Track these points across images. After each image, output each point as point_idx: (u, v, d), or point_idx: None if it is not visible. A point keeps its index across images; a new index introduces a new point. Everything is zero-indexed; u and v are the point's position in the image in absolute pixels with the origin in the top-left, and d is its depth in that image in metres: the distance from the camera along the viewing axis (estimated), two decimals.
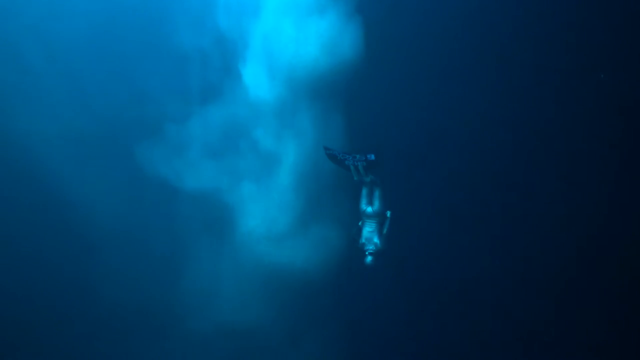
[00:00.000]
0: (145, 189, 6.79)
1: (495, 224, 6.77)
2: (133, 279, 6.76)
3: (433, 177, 6.81)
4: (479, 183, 6.75)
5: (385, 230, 5.96)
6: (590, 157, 6.51)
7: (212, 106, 6.76)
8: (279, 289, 6.62)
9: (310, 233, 6.69)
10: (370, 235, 5.96)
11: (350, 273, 6.44)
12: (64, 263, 6.92)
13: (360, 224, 6.07)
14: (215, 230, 6.78)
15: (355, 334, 6.76)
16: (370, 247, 5.90)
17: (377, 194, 6.06)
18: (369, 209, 6.01)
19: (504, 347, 6.65)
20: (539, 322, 6.64)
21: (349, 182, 6.46)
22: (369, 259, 5.88)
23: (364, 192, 6.10)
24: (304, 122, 6.70)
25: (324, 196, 6.74)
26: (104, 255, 6.83)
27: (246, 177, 6.80)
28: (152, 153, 6.65)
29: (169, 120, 6.77)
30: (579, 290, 6.54)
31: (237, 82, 6.71)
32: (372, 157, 5.92)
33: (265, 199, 6.77)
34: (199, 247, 6.83)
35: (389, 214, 6.00)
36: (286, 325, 6.66)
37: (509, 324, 6.68)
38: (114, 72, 6.90)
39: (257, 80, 6.68)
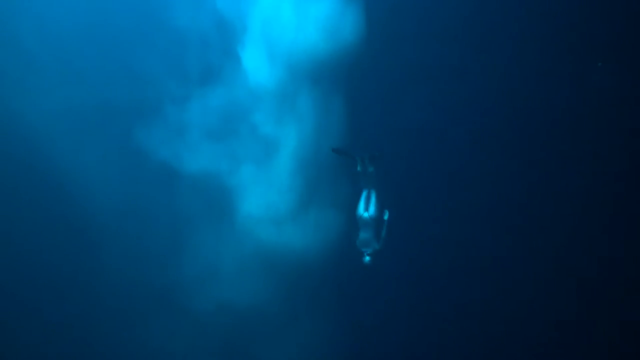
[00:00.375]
0: (146, 170, 6.79)
1: (495, 223, 6.82)
2: (135, 259, 6.81)
3: (433, 172, 6.85)
4: (479, 181, 6.79)
5: (383, 234, 6.12)
6: (591, 157, 6.55)
7: (211, 89, 6.72)
8: (279, 270, 6.68)
9: (310, 216, 6.74)
10: (368, 239, 6.13)
11: (349, 256, 6.44)
12: (66, 244, 6.95)
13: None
14: (216, 213, 6.82)
15: (353, 315, 6.86)
16: (368, 250, 6.10)
17: (373, 199, 6.21)
18: (366, 215, 6.17)
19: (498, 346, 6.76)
20: (536, 321, 6.71)
21: (348, 166, 6.55)
22: (367, 259, 6.09)
23: (362, 197, 6.24)
24: (305, 107, 6.67)
25: (323, 180, 6.77)
26: (106, 237, 6.85)
27: (246, 161, 6.82)
28: (152, 135, 6.64)
29: (169, 103, 6.75)
30: (579, 290, 6.61)
31: (237, 66, 6.66)
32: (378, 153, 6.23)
33: (265, 183, 6.80)
34: (199, 228, 6.87)
35: (386, 216, 6.16)
36: (286, 306, 6.74)
37: (502, 321, 6.77)
38: (112, 54, 6.84)
39: (257, 64, 6.63)
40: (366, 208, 6.18)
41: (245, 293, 6.67)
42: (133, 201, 6.85)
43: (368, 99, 6.70)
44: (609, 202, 6.53)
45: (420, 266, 6.86)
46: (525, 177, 6.74)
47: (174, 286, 6.78)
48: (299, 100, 6.66)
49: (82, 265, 6.90)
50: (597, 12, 6.26)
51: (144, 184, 6.87)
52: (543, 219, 6.71)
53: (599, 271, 6.54)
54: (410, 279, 6.87)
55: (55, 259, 6.93)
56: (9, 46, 6.58)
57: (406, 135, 6.75)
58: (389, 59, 6.62)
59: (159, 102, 6.73)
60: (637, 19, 6.22)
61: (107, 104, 6.85)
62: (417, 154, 6.81)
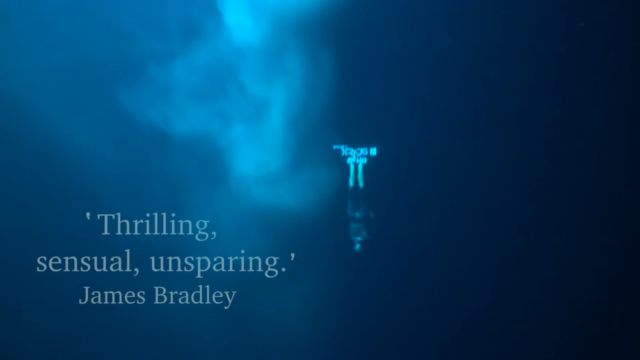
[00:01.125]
0: (134, 132, 6.68)
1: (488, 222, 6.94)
2: (131, 221, 6.76)
3: (427, 135, 6.83)
4: (474, 176, 6.86)
5: (372, 230, 6.48)
6: (587, 160, 6.65)
7: (195, 47, 6.55)
8: (276, 229, 6.77)
9: (304, 174, 6.77)
10: (358, 230, 6.46)
11: (345, 214, 6.62)
12: (59, 207, 6.87)
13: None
14: (208, 174, 6.82)
15: (350, 271, 6.94)
16: (358, 238, 6.45)
17: (362, 204, 6.47)
18: (357, 215, 6.49)
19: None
20: (517, 318, 6.86)
21: (340, 122, 6.61)
22: (357, 246, 6.46)
23: (350, 204, 6.50)
24: (293, 63, 6.53)
25: (316, 137, 6.74)
26: (98, 199, 6.78)
27: (236, 120, 6.74)
28: (137, 95, 6.51)
29: (151, 62, 6.59)
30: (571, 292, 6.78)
31: (219, 22, 6.46)
32: (374, 151, 6.40)
33: (257, 142, 6.77)
34: (194, 189, 6.86)
35: (372, 214, 6.48)
36: (283, 263, 6.80)
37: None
38: (87, 9, 6.56)
39: (240, 20, 6.43)
40: (355, 210, 6.48)
41: (243, 249, 6.76)
42: (123, 164, 6.77)
43: (358, 52, 6.57)
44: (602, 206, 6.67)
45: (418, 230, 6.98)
46: (518, 178, 6.81)
47: (171, 246, 6.81)
48: (287, 56, 6.51)
49: (76, 228, 6.80)
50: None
51: (133, 145, 6.77)
52: (534, 219, 6.83)
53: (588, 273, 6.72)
54: (409, 242, 6.99)
55: (46, 223, 6.87)
56: None
57: (397, 90, 6.69)
58: (380, 10, 6.45)
59: (141, 61, 6.54)
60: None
61: (87, 64, 6.63)
62: (409, 111, 6.76)
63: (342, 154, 6.50)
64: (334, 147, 6.53)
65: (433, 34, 6.55)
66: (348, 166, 6.49)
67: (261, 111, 6.69)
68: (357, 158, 6.49)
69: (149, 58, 6.56)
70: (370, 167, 6.52)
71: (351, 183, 6.49)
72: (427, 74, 6.67)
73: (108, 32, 6.55)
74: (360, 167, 6.46)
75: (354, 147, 6.51)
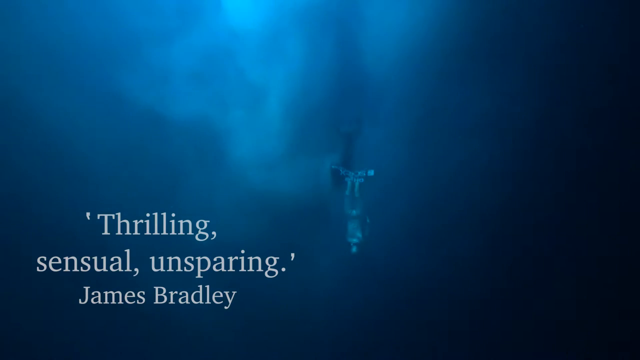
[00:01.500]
0: (132, 116, 6.69)
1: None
2: (130, 204, 6.79)
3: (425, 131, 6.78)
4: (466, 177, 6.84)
5: (367, 233, 6.68)
6: (580, 163, 6.62)
7: (193, 30, 6.57)
8: (272, 215, 6.83)
9: (300, 161, 6.81)
10: (353, 231, 6.68)
11: (339, 199, 6.77)
12: (59, 193, 6.82)
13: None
14: (206, 158, 6.88)
15: (345, 258, 6.95)
16: (354, 240, 6.66)
17: (359, 203, 6.67)
18: (354, 212, 6.68)
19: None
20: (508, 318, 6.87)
21: (338, 109, 6.71)
22: (353, 249, 6.66)
23: (347, 202, 6.69)
24: (292, 49, 6.55)
25: (313, 125, 6.80)
26: (98, 183, 6.81)
27: (235, 105, 6.79)
28: (134, 78, 6.53)
29: (148, 45, 6.59)
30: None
31: (216, 5, 6.49)
32: (372, 172, 6.61)
33: (255, 127, 6.82)
34: (191, 173, 6.91)
35: (368, 220, 6.67)
36: (279, 249, 6.86)
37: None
38: None
39: (239, 2, 6.46)
40: (352, 208, 6.67)
41: (239, 234, 6.80)
42: (119, 149, 6.78)
43: (358, 38, 6.55)
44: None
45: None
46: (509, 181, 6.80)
47: (171, 246, 6.83)
48: (286, 40, 6.52)
49: (76, 228, 6.80)
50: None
51: (129, 130, 6.76)
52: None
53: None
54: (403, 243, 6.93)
55: (46, 223, 6.82)
56: None
57: (397, 77, 6.64)
58: None
59: (137, 44, 6.54)
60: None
61: (81, 45, 6.57)
62: (409, 98, 6.72)
63: (340, 174, 6.64)
64: (332, 167, 6.68)
65: (433, 23, 6.47)
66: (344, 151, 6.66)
67: (260, 96, 6.69)
68: (354, 179, 6.63)
69: (145, 41, 6.54)
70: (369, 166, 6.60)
71: (347, 193, 6.63)
72: (428, 61, 6.59)
73: (103, 12, 6.49)
74: (357, 185, 6.63)
75: (352, 170, 6.66)
